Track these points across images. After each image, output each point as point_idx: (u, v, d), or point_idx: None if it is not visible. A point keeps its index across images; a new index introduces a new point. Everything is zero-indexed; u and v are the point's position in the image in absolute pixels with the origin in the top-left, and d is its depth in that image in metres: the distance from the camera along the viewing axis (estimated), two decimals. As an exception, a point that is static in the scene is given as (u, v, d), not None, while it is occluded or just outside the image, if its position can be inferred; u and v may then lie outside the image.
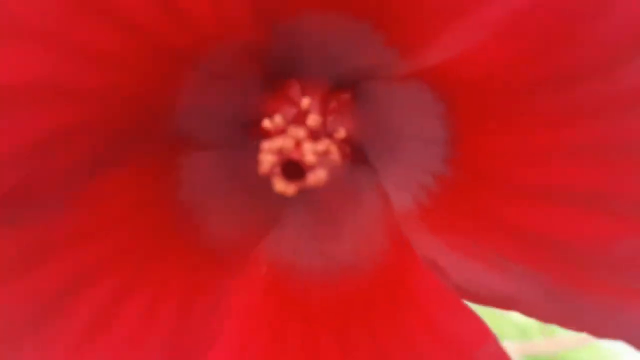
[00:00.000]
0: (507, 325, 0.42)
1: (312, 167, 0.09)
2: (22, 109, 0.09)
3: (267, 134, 0.10)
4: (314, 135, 0.10)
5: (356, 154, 0.11)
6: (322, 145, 0.10)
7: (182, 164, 0.11)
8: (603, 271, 0.10)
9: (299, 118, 0.10)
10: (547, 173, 0.10)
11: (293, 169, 0.10)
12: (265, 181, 0.10)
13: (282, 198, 0.11)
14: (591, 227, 0.10)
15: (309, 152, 0.09)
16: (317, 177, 0.09)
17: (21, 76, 0.09)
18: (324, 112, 0.10)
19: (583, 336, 0.40)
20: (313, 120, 0.10)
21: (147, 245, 0.10)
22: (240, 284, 0.11)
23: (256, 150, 0.10)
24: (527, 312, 0.10)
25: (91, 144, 0.09)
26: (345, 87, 0.11)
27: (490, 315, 0.48)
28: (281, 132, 0.10)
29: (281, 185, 0.10)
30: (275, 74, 0.11)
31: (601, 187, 0.10)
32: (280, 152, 0.09)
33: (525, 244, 0.10)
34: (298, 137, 0.10)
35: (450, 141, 0.10)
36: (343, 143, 0.10)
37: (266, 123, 0.10)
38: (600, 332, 0.10)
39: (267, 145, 0.10)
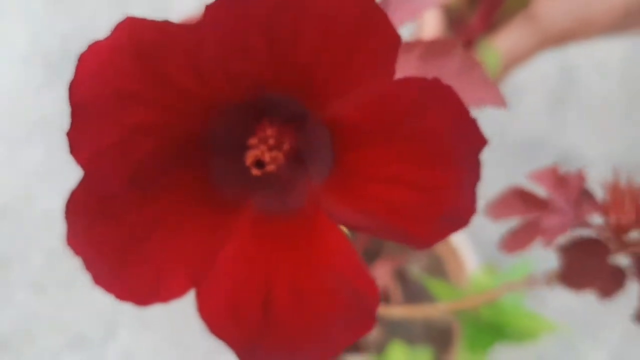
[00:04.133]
0: (442, 286, 0.52)
1: (268, 164, 0.20)
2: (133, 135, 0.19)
3: (251, 146, 0.21)
4: (272, 148, 0.20)
5: (296, 156, 0.22)
6: (275, 154, 0.20)
7: (210, 162, 0.22)
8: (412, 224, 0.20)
9: (266, 139, 0.21)
10: (380, 181, 0.20)
11: (261, 163, 0.20)
12: (249, 168, 0.21)
13: (259, 177, 0.21)
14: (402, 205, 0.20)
15: (268, 157, 0.20)
16: (270, 168, 0.20)
17: (132, 120, 0.19)
18: (278, 136, 0.21)
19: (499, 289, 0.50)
20: (271, 141, 0.21)
21: (191, 201, 0.21)
22: (238, 223, 0.21)
23: (246, 153, 0.21)
24: (366, 232, 0.21)
25: (163, 155, 0.20)
26: (291, 122, 0.22)
27: (432, 281, 0.58)
28: (257, 146, 0.21)
29: (255, 171, 0.20)
30: (256, 115, 0.22)
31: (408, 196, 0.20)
32: (255, 156, 0.20)
33: (375, 209, 0.20)
34: (264, 150, 0.20)
35: (333, 156, 0.20)
36: (287, 152, 0.21)
37: (251, 140, 0.21)
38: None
39: (250, 152, 0.20)
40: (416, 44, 0.24)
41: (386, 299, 0.69)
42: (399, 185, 0.19)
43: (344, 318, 0.20)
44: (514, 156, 0.88)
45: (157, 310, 0.74)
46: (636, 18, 0.39)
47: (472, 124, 0.18)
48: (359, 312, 0.20)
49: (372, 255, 0.72)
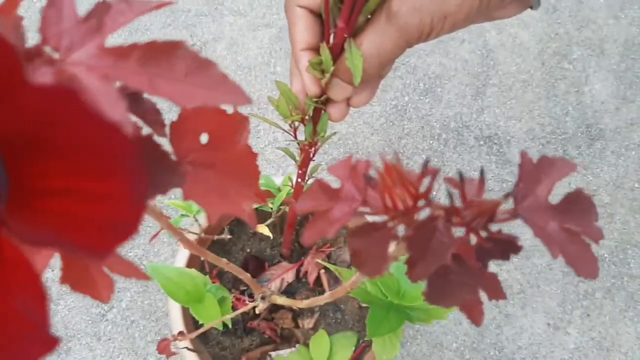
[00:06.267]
0: (346, 272, 0.51)
1: None
2: None
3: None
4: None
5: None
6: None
7: None
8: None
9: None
10: (47, 195, 0.18)
11: None
12: None
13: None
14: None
15: None
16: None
17: None
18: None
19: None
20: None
21: None
22: None
23: None
24: (54, 249, 0.19)
25: None
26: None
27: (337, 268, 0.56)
28: None
29: None
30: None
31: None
32: None
33: (49, 224, 0.19)
34: None
35: (5, 180, 0.19)
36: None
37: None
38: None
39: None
40: (132, 48, 0.22)
41: (319, 288, 0.68)
42: (65, 198, 0.18)
43: (22, 339, 0.18)
44: (441, 142, 0.85)
45: (112, 322, 0.73)
46: (492, 6, 0.37)
47: (107, 128, 0.17)
48: (36, 331, 0.18)
49: (302, 249, 0.71)
